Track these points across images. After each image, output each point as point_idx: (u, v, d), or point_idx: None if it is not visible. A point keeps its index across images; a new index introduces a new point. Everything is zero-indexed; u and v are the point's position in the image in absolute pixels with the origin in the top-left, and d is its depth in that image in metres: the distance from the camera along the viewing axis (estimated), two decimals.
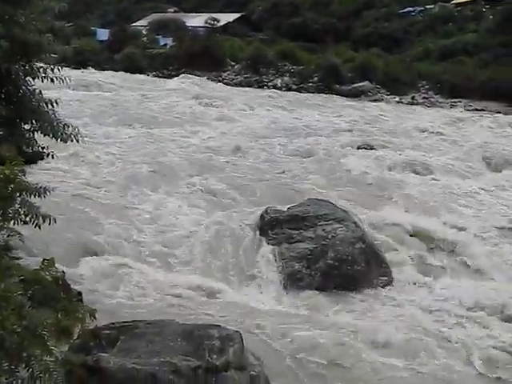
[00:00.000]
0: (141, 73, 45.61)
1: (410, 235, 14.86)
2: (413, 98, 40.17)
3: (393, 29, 53.61)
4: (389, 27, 53.87)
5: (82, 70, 43.25)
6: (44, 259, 6.47)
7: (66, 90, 24.82)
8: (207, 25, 58.63)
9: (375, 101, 38.92)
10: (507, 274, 13.62)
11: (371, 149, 23.82)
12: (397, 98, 40.00)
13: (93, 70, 44.61)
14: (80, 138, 10.36)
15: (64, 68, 10.69)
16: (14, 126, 10.11)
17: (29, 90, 10.27)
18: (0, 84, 10.08)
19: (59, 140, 10.19)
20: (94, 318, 6.37)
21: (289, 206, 14.88)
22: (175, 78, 42.73)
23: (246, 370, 7.78)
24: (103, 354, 7.30)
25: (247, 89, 41.65)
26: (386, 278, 13.09)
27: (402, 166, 21.33)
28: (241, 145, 22.96)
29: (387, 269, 13.35)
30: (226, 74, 46.77)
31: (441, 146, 25.15)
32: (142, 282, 11.97)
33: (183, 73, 44.21)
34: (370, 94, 41.31)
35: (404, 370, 9.89)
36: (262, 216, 14.52)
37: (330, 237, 13.44)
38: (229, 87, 41.70)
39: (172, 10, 72.70)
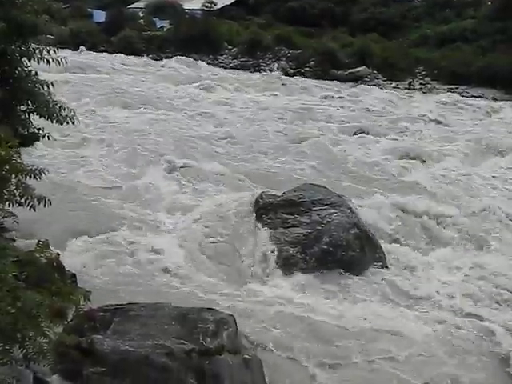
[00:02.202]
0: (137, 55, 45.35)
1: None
2: (410, 83, 40.10)
3: (390, 14, 53.37)
4: (386, 12, 53.63)
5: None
6: (39, 241, 6.49)
7: None
8: (204, 8, 58.28)
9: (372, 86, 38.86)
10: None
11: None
12: (394, 84, 39.93)
13: None
14: (75, 120, 10.34)
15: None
16: (10, 108, 10.08)
17: (25, 71, 10.23)
18: None
19: (55, 122, 10.18)
20: (89, 300, 6.40)
21: (284, 190, 14.89)
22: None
23: (239, 354, 7.82)
24: (97, 336, 7.33)
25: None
26: (380, 264, 13.13)
27: None
28: None
29: (382, 254, 13.38)
30: (222, 58, 46.59)
31: None
32: (135, 266, 12.00)
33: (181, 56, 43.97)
34: (367, 79, 41.21)
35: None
36: (256, 200, 14.52)
37: (325, 222, 13.45)
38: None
39: None
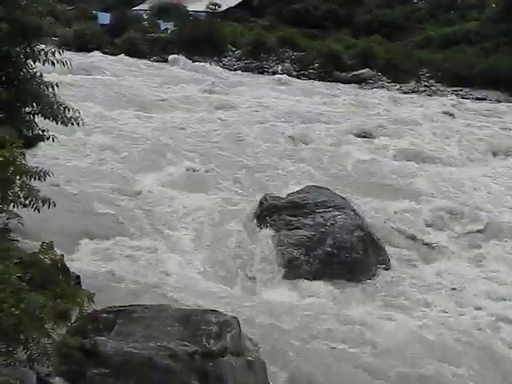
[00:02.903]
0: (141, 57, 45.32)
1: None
2: (414, 85, 40.10)
3: (394, 16, 53.39)
4: (390, 14, 53.65)
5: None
6: (43, 242, 6.49)
7: None
8: (208, 10, 58.35)
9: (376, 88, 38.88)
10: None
11: None
12: (397, 86, 39.92)
13: None
14: (80, 122, 10.35)
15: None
16: (15, 109, 10.10)
17: (29, 72, 10.24)
18: (0, 66, 10.06)
19: (59, 123, 10.19)
20: (93, 301, 6.40)
21: (288, 192, 14.89)
22: None
23: (242, 356, 7.81)
24: (101, 338, 7.33)
25: None
26: (384, 266, 13.13)
27: None
28: None
29: (385, 257, 13.38)
30: (226, 60, 46.67)
31: None
32: (139, 268, 12.00)
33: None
34: (370, 81, 41.24)
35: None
36: (260, 202, 14.52)
37: (328, 224, 13.45)
38: None
39: None
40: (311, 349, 9.89)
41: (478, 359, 10.09)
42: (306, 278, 12.39)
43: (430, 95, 37.67)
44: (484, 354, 10.23)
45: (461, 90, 38.29)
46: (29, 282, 5.82)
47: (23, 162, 6.45)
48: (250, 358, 7.88)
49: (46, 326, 5.56)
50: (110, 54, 44.36)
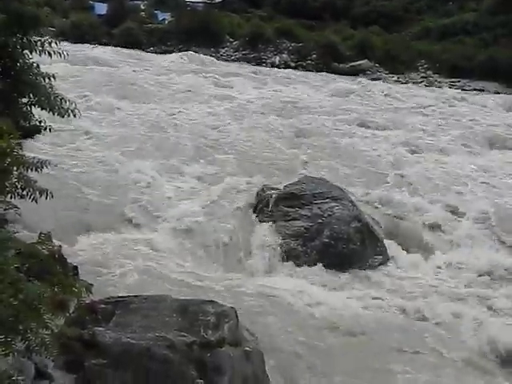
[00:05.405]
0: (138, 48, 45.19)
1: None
2: (411, 77, 40.02)
3: (392, 7, 53.28)
4: (388, 5, 53.53)
5: None
6: (41, 233, 6.49)
7: None
8: (206, 0, 58.23)
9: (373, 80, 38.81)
10: None
11: None
12: (395, 77, 39.85)
13: None
14: (77, 113, 10.32)
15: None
16: (11, 100, 10.07)
17: (26, 63, 10.21)
18: None
19: (56, 114, 10.16)
20: (90, 292, 6.40)
21: (285, 183, 14.90)
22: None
23: (240, 346, 7.83)
24: (99, 328, 7.35)
25: None
26: (381, 257, 13.14)
27: None
28: None
29: (383, 248, 13.39)
30: (224, 51, 46.52)
31: None
32: (136, 259, 12.00)
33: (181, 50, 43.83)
34: (368, 72, 41.16)
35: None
36: (258, 193, 14.53)
37: (326, 215, 13.47)
38: None
39: None
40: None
41: None
42: (303, 269, 12.41)
43: (427, 86, 37.58)
44: None
45: (458, 82, 38.23)
46: (26, 273, 5.82)
47: (20, 152, 6.44)
48: (247, 349, 7.90)
49: (45, 317, 5.56)
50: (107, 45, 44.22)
